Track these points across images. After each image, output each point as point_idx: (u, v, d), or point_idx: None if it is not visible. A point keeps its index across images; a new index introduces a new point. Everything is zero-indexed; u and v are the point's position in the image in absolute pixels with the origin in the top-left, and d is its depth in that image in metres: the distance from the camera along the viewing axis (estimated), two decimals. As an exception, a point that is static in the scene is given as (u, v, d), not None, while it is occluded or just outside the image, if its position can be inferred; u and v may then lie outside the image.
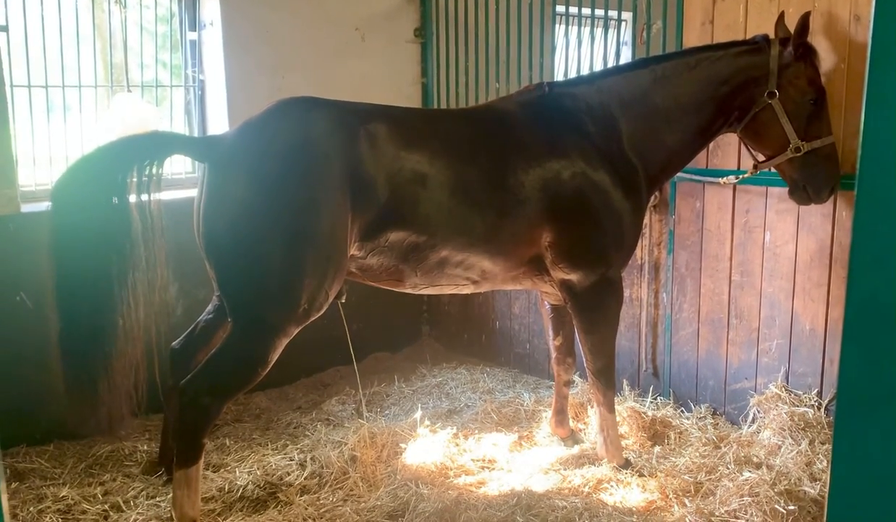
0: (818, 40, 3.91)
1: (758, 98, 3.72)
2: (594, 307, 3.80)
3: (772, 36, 3.76)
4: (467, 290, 3.87)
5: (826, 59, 3.87)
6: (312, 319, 3.36)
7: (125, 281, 3.14)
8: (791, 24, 3.69)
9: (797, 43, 3.64)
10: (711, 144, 4.30)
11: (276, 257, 3.19)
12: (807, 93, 3.67)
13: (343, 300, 3.73)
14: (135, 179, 3.16)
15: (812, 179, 3.73)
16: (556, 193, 3.63)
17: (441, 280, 3.69)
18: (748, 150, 3.97)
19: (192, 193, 3.48)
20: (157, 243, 3.22)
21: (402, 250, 3.49)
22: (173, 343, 3.83)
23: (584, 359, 3.97)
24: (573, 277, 3.74)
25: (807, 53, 3.70)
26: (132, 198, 3.17)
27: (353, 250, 3.45)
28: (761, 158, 3.88)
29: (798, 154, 3.69)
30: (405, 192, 3.41)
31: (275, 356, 3.30)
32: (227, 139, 3.39)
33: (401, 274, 3.61)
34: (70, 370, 3.11)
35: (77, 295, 3.09)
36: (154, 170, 3.21)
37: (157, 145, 3.28)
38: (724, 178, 4.20)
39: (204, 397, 3.19)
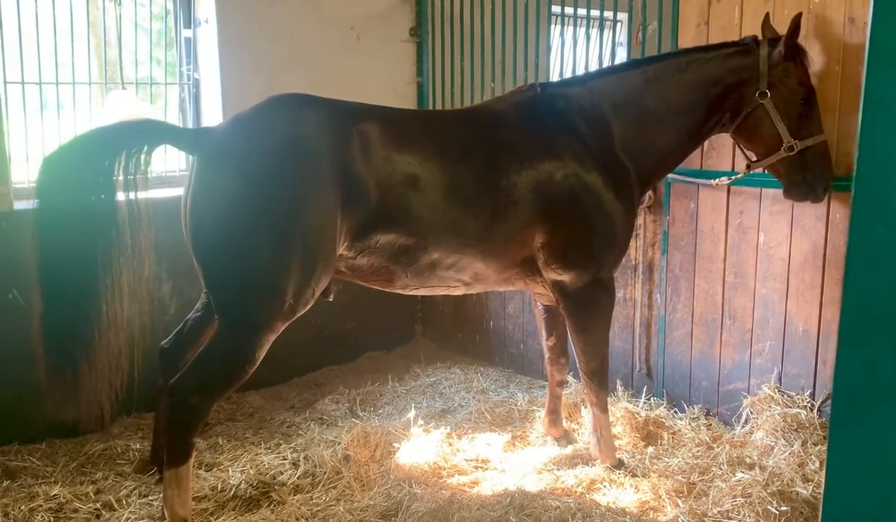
0: (812, 42, 3.92)
1: (749, 99, 3.74)
2: (587, 308, 3.81)
3: (760, 37, 3.77)
4: (458, 291, 3.86)
5: (817, 59, 3.89)
6: (298, 315, 3.34)
7: (110, 266, 3.12)
8: (780, 26, 3.71)
9: (788, 44, 3.66)
10: (706, 145, 4.32)
11: (264, 252, 3.17)
12: (797, 92, 3.70)
13: (331, 299, 3.71)
14: (122, 165, 3.13)
15: (806, 177, 3.75)
16: (549, 194, 3.63)
17: (432, 282, 3.69)
18: (741, 150, 3.99)
19: (187, 190, 3.46)
20: (144, 231, 3.20)
21: (392, 251, 3.49)
22: (163, 343, 3.82)
23: (576, 360, 3.97)
24: (565, 278, 3.74)
25: (796, 53, 3.72)
26: (119, 184, 3.14)
27: (343, 250, 3.44)
28: (754, 157, 3.90)
29: (791, 153, 3.71)
30: (397, 194, 3.41)
31: (262, 353, 3.28)
32: (217, 132, 3.38)
33: (391, 275, 3.61)
34: (51, 353, 3.09)
35: (61, 277, 3.07)
36: (143, 157, 3.18)
37: (147, 133, 3.26)
38: (717, 180, 4.21)
39: (193, 395, 3.17)
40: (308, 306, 3.37)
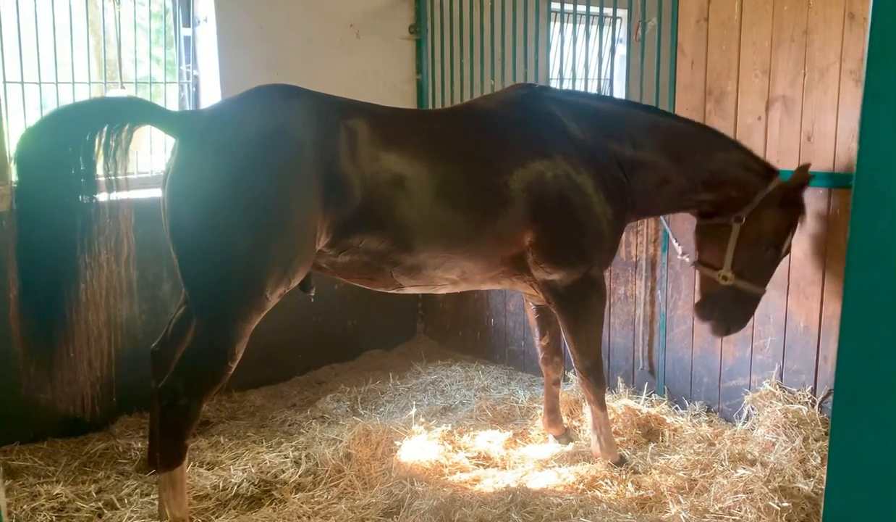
0: (812, 37, 3.92)
1: (728, 212, 3.80)
2: (578, 306, 3.81)
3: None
4: (443, 290, 3.84)
5: (819, 54, 3.89)
6: (271, 306, 3.31)
7: (88, 244, 3.07)
8: (781, 18, 3.72)
9: (789, 193, 3.74)
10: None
11: (241, 241, 3.13)
12: (767, 238, 3.80)
13: (312, 294, 3.69)
14: (103, 140, 3.07)
15: (717, 311, 3.91)
16: (540, 194, 3.63)
17: (418, 281, 3.65)
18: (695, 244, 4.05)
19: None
20: (123, 210, 3.16)
21: (377, 251, 3.45)
22: (153, 345, 3.80)
23: (571, 359, 3.97)
24: (555, 277, 3.73)
25: (791, 205, 3.77)
26: (99, 160, 3.09)
27: (324, 247, 3.39)
28: (697, 256, 4.01)
29: (723, 282, 3.83)
30: (383, 193, 3.36)
31: (241, 347, 3.25)
32: (200, 116, 3.35)
33: (374, 274, 3.57)
34: (27, 330, 3.05)
35: (38, 253, 3.01)
36: (124, 134, 3.12)
37: (129, 110, 3.22)
38: (684, 255, 4.26)
39: (181, 398, 3.16)
40: (280, 298, 3.33)
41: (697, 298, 4.01)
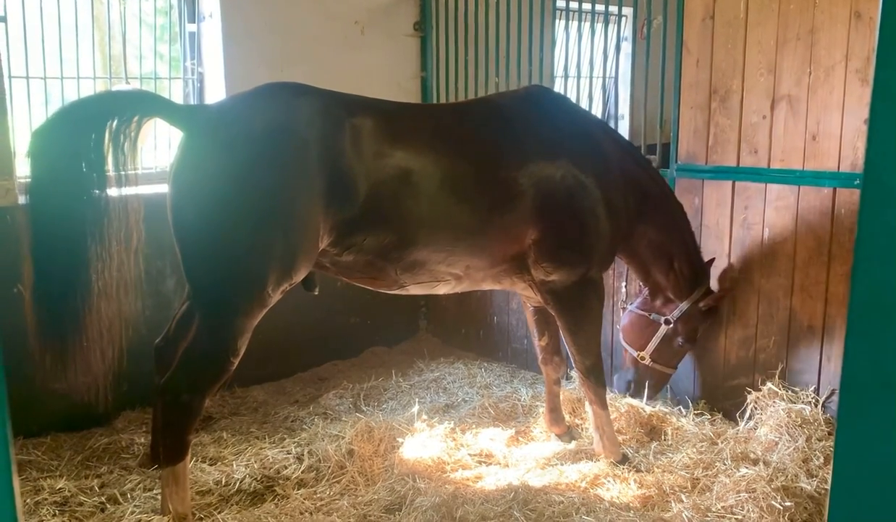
0: (818, 36, 3.91)
1: (659, 306, 4.26)
2: (577, 307, 3.82)
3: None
4: (445, 289, 3.82)
5: (825, 53, 3.89)
6: (273, 302, 3.31)
7: (100, 235, 3.08)
8: (786, 19, 3.73)
9: (711, 304, 4.19)
10: (712, 140, 4.35)
11: (244, 238, 3.14)
12: (682, 336, 4.23)
13: (316, 293, 3.69)
14: (112, 133, 3.08)
15: (631, 384, 4.40)
16: (549, 191, 3.63)
17: (422, 277, 3.64)
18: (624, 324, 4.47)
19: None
20: (132, 202, 3.17)
21: (380, 248, 3.44)
22: (157, 341, 3.80)
23: (572, 360, 3.97)
24: (555, 277, 3.73)
25: (711, 310, 4.24)
26: (109, 153, 3.10)
27: (327, 246, 3.39)
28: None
29: (640, 361, 4.32)
30: (388, 189, 3.36)
31: (243, 343, 3.25)
32: (208, 111, 3.35)
33: (378, 272, 3.57)
34: (42, 322, 3.07)
35: (51, 246, 3.04)
36: (133, 127, 3.13)
37: (138, 102, 3.23)
38: (624, 304, 4.72)
39: (183, 394, 3.16)
40: (282, 295, 3.34)
41: (619, 370, 4.56)
